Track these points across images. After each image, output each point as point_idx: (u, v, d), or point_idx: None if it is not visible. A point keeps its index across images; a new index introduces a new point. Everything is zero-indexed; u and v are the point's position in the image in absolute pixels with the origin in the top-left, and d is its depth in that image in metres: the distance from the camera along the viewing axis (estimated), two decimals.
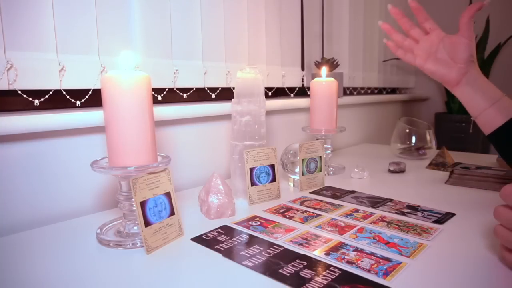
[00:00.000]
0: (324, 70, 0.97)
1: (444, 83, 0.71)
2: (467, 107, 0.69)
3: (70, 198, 0.68)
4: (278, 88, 1.19)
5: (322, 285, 0.41)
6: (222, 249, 0.51)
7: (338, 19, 1.45)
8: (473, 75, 0.68)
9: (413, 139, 1.15)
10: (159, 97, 0.85)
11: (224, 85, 0.97)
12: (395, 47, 0.77)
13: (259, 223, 0.61)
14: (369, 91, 1.72)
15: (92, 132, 0.70)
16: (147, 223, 0.50)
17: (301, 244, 0.52)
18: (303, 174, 0.80)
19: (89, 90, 0.71)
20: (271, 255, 0.49)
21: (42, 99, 0.66)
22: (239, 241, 0.53)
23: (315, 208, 0.68)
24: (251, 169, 0.71)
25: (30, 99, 0.65)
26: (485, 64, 1.78)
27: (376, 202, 0.71)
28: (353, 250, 0.50)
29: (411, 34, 0.74)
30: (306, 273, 0.43)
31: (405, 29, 0.75)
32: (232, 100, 0.74)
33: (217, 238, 0.55)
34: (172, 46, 0.85)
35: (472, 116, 0.69)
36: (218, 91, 0.97)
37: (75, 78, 0.68)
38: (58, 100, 0.68)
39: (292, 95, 1.24)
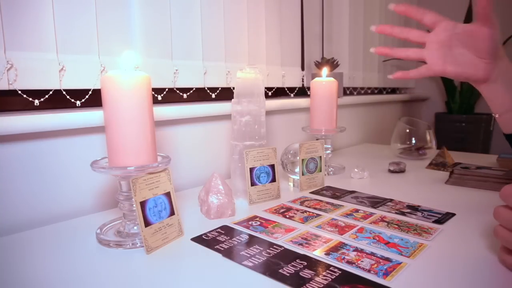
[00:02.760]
0: (325, 70, 0.97)
1: (472, 82, 0.61)
2: (490, 104, 0.61)
3: (70, 198, 0.68)
4: (278, 88, 1.18)
5: (322, 285, 0.41)
6: (222, 249, 0.51)
7: (338, 19, 1.45)
8: (502, 70, 0.57)
9: (413, 139, 1.15)
10: (159, 97, 0.85)
11: (224, 85, 0.97)
12: (404, 72, 0.63)
13: (259, 223, 0.61)
14: (369, 91, 1.72)
15: (92, 132, 0.70)
16: (147, 223, 0.50)
17: (301, 244, 0.52)
18: (303, 174, 0.80)
19: (89, 90, 0.71)
20: (271, 255, 0.49)
21: (42, 99, 0.66)
22: (239, 241, 0.53)
23: (315, 208, 0.68)
24: (251, 169, 0.71)
25: (30, 99, 0.65)
26: None
27: (376, 202, 0.71)
28: (353, 250, 0.50)
29: (411, 39, 0.61)
30: (306, 273, 0.43)
31: (402, 38, 0.63)
32: (232, 100, 0.74)
33: (217, 238, 0.55)
34: (172, 46, 0.84)
35: (493, 112, 0.61)
36: (218, 91, 0.97)
37: (75, 78, 0.68)
38: (58, 100, 0.68)
39: (292, 95, 1.24)
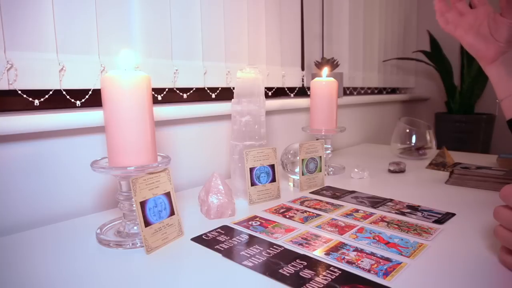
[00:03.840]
0: (325, 70, 0.97)
1: (480, 58, 0.68)
2: (496, 87, 0.67)
3: (70, 198, 0.68)
4: (278, 88, 1.18)
5: (322, 285, 0.41)
6: (222, 249, 0.51)
7: (338, 19, 1.45)
8: (510, 57, 0.64)
9: (413, 139, 1.15)
10: (159, 97, 0.85)
11: (224, 85, 0.97)
12: (440, 12, 0.72)
13: (259, 223, 0.61)
14: (369, 91, 1.72)
15: (92, 132, 0.70)
16: (147, 223, 0.50)
17: (301, 244, 0.52)
18: (303, 174, 0.80)
19: (89, 90, 0.71)
20: (271, 255, 0.49)
21: (42, 99, 0.66)
22: (239, 241, 0.53)
23: (315, 208, 0.68)
24: (251, 169, 0.71)
25: (30, 99, 0.65)
26: None
27: (376, 202, 0.71)
28: (353, 250, 0.50)
29: (457, 6, 0.70)
30: (306, 273, 0.43)
31: (452, 1, 0.71)
32: (232, 100, 0.74)
33: (217, 238, 0.55)
34: (172, 46, 0.85)
35: (498, 97, 0.67)
36: (218, 91, 0.97)
37: (75, 78, 0.68)
38: (58, 100, 0.68)
39: (292, 95, 1.24)
